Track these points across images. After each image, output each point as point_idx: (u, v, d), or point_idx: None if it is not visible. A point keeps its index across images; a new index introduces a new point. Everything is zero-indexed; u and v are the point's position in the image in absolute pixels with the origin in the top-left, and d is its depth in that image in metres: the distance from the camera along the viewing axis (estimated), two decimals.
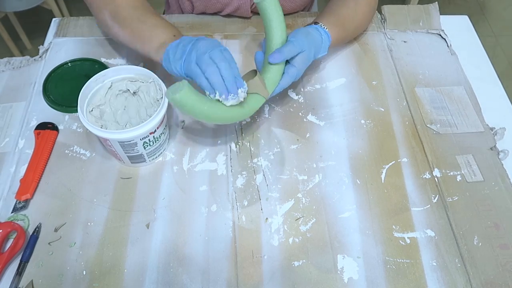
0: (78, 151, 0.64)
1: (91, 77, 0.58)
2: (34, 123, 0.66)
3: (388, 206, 0.60)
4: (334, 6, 0.72)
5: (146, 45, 0.62)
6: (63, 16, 1.81)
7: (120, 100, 0.61)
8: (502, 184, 0.62)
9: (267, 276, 0.54)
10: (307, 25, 0.68)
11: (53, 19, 0.82)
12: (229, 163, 0.63)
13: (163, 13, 0.99)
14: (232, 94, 0.52)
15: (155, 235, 0.56)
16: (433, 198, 0.61)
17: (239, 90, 0.53)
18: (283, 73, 0.60)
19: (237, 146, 0.65)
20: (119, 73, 0.61)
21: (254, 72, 0.57)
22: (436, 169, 0.63)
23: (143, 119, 0.60)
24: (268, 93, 0.58)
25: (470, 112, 0.70)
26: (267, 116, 0.69)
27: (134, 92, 0.61)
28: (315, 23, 0.67)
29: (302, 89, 0.72)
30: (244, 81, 0.55)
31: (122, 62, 0.75)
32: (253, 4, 0.79)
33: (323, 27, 0.66)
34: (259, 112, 0.69)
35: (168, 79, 0.72)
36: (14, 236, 0.54)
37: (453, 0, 2.28)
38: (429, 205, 0.60)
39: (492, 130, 0.68)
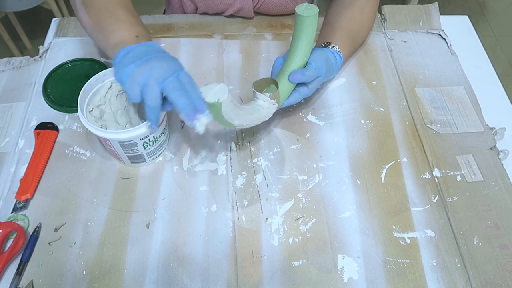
0: (78, 151, 0.64)
1: (91, 77, 0.58)
2: (34, 123, 0.66)
3: (388, 206, 0.60)
4: (343, 23, 0.69)
5: (104, 38, 0.57)
6: (63, 16, 1.81)
7: (120, 100, 0.61)
8: (502, 184, 0.62)
9: (267, 276, 0.54)
10: (322, 45, 0.66)
11: (53, 19, 0.82)
12: (229, 163, 0.63)
13: (163, 13, 0.99)
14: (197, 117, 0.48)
15: (155, 235, 0.56)
16: (433, 198, 0.61)
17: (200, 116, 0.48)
18: (294, 89, 0.61)
19: (237, 146, 0.65)
20: None
21: (272, 81, 0.57)
22: (436, 169, 0.63)
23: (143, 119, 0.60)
24: (279, 105, 0.58)
25: (470, 112, 0.70)
26: None
27: None
28: (328, 43, 0.66)
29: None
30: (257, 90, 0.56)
31: None
32: (255, 4, 0.79)
33: (338, 51, 0.65)
34: None
35: None
36: (14, 236, 0.54)
37: (453, 0, 2.28)
38: (429, 205, 0.60)
39: (492, 130, 0.68)
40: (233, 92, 0.71)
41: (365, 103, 0.71)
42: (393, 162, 0.64)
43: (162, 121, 0.57)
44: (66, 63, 0.73)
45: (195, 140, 0.65)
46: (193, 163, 0.63)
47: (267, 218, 0.58)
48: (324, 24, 0.73)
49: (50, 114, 0.67)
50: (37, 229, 0.56)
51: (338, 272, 0.54)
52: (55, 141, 0.64)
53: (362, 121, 0.68)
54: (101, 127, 0.57)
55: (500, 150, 0.65)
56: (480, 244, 0.56)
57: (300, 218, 0.58)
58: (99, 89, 0.60)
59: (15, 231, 0.54)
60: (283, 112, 0.69)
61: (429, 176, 0.63)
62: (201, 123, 0.48)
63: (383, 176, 0.62)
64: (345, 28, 0.69)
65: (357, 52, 0.78)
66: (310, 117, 0.69)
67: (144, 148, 0.58)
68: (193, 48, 0.77)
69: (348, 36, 0.69)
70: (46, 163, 0.62)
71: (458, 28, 0.84)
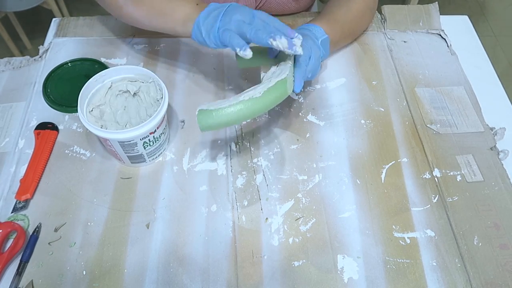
0: (78, 151, 0.64)
1: (91, 77, 0.58)
2: (34, 123, 0.66)
3: (388, 206, 0.60)
4: (327, 8, 0.73)
5: (168, 19, 0.61)
6: (63, 16, 1.82)
7: (120, 100, 0.61)
8: (502, 184, 0.62)
9: (267, 276, 0.54)
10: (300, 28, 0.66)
11: (53, 19, 0.82)
12: (229, 163, 0.63)
13: None
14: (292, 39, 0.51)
15: (155, 235, 0.56)
16: (433, 198, 0.61)
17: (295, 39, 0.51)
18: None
19: (237, 146, 0.65)
20: (119, 73, 0.61)
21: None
22: (436, 169, 0.63)
23: (143, 119, 0.60)
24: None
25: (470, 112, 0.70)
26: (267, 116, 0.69)
27: (135, 93, 0.61)
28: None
29: (302, 89, 0.72)
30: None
31: (122, 62, 0.75)
32: (258, 4, 0.79)
33: (315, 25, 0.65)
34: None
35: (168, 79, 0.73)
36: (14, 236, 0.54)
37: (453, 0, 2.28)
38: (429, 205, 0.60)
39: (492, 130, 0.68)
40: (233, 92, 0.71)
41: (365, 103, 0.71)
42: (393, 162, 0.64)
43: (162, 121, 0.57)
44: (66, 63, 0.73)
45: (195, 140, 0.65)
46: (193, 163, 0.63)
47: (267, 218, 0.58)
48: None
49: (50, 114, 0.67)
50: (37, 229, 0.56)
51: (338, 272, 0.54)
52: (55, 141, 0.64)
53: (362, 121, 0.68)
54: (101, 127, 0.57)
55: (500, 150, 0.65)
56: (480, 244, 0.56)
57: (300, 218, 0.58)
58: (99, 89, 0.60)
59: (15, 231, 0.54)
60: (283, 112, 0.69)
61: (429, 176, 0.63)
62: (298, 44, 0.52)
63: (383, 176, 0.62)
64: (326, 12, 0.71)
65: (357, 52, 0.78)
66: (310, 117, 0.69)
67: (144, 148, 0.58)
68: (193, 48, 0.77)
69: (328, 17, 0.69)
70: (46, 163, 0.62)
71: (458, 28, 0.84)
